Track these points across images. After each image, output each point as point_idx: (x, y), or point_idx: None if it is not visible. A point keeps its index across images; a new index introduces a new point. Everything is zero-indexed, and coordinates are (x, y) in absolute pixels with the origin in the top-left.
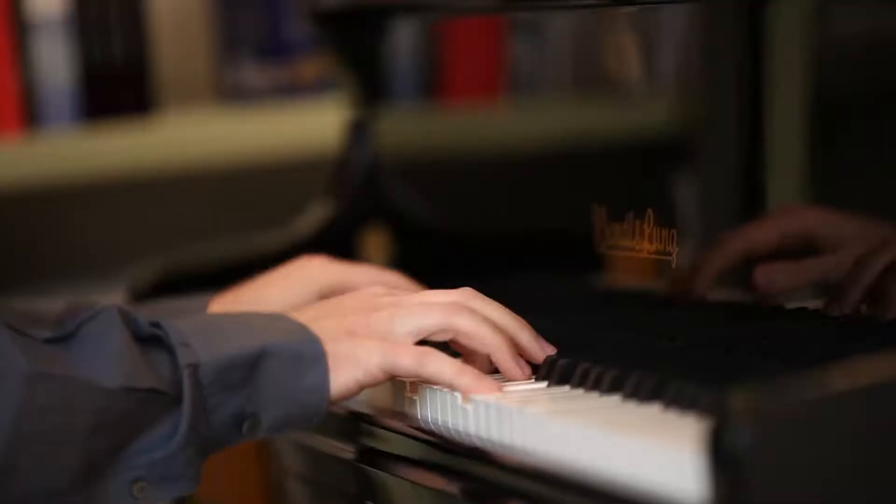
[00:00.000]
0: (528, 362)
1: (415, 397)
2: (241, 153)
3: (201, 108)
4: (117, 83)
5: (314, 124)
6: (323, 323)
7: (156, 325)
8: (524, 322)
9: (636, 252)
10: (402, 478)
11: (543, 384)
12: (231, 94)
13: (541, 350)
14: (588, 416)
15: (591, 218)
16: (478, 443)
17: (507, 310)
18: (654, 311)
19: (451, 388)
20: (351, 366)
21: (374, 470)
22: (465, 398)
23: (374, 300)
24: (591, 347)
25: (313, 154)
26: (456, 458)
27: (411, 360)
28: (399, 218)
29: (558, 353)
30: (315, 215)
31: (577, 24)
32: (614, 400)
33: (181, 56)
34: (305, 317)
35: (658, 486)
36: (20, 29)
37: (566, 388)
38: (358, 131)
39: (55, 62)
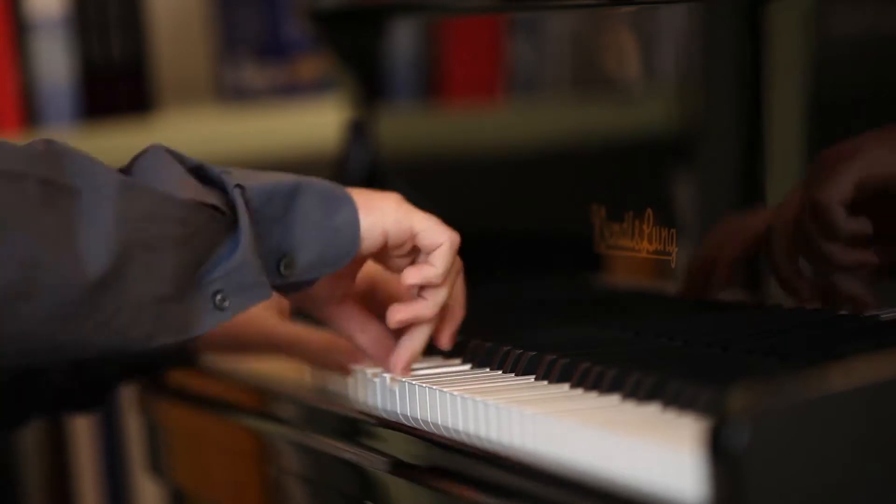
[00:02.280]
0: (526, 362)
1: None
2: (241, 153)
3: (201, 107)
4: (117, 82)
5: (313, 124)
6: (351, 189)
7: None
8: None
9: (636, 252)
10: (401, 478)
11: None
12: (230, 93)
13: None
14: (587, 416)
15: (591, 218)
16: (477, 442)
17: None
18: (654, 310)
19: (432, 263)
20: (381, 213)
21: (374, 470)
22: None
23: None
24: (591, 347)
25: (313, 154)
26: (455, 458)
27: (443, 231)
28: None
29: (558, 352)
30: None
31: (576, 23)
32: (613, 399)
33: (181, 55)
34: None
35: (657, 486)
36: (19, 28)
37: (565, 387)
38: (357, 131)
39: (54, 61)
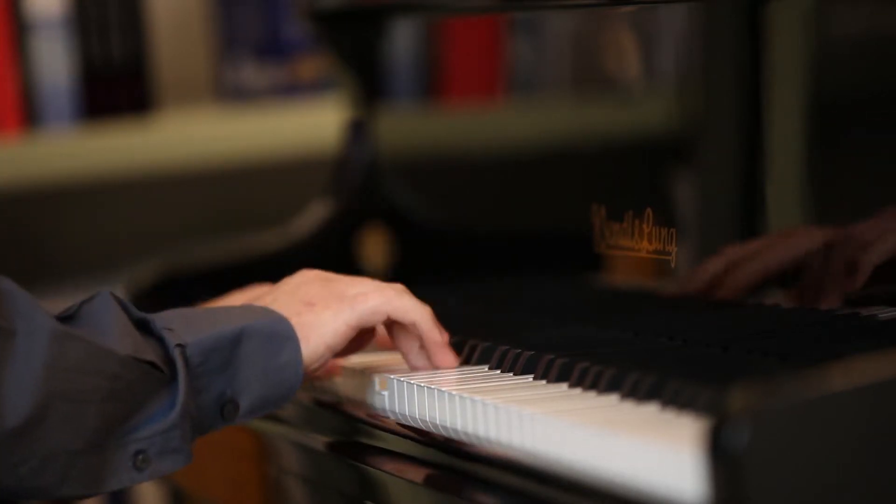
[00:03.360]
0: (524, 361)
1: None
2: (240, 153)
3: (200, 107)
4: (116, 82)
5: (313, 124)
6: (279, 302)
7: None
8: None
9: (635, 252)
10: (401, 478)
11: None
12: (230, 93)
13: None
14: (586, 416)
15: (591, 218)
16: (476, 442)
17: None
18: (653, 310)
19: (415, 330)
20: (318, 332)
21: (374, 470)
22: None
23: (321, 275)
24: (589, 347)
25: (312, 154)
26: (455, 458)
27: (379, 299)
28: (398, 217)
29: (557, 352)
30: (314, 215)
31: (576, 23)
32: (612, 399)
33: (180, 55)
34: (263, 302)
35: (656, 486)
36: (19, 28)
37: (564, 386)
38: (357, 131)
39: (54, 61)
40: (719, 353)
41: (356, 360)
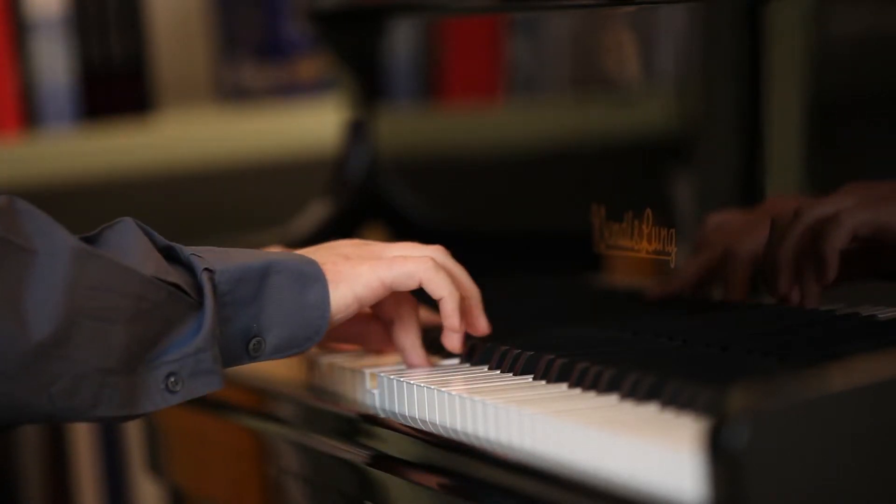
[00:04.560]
0: (524, 362)
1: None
2: (240, 153)
3: (200, 107)
4: (116, 82)
5: (313, 124)
6: (318, 253)
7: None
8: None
9: (635, 252)
10: (401, 478)
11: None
12: (230, 93)
13: (484, 322)
14: (586, 416)
15: (591, 218)
16: (476, 442)
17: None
18: (653, 310)
19: (443, 309)
20: (350, 282)
21: (374, 470)
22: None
23: (362, 240)
24: (589, 347)
25: (312, 154)
26: (455, 458)
27: (418, 265)
28: (397, 217)
29: (557, 352)
30: (314, 215)
31: (576, 24)
32: (612, 399)
33: (180, 55)
34: (300, 251)
35: (656, 486)
36: (19, 28)
37: (563, 386)
38: (356, 131)
39: (54, 62)
40: (719, 353)
41: (356, 360)
